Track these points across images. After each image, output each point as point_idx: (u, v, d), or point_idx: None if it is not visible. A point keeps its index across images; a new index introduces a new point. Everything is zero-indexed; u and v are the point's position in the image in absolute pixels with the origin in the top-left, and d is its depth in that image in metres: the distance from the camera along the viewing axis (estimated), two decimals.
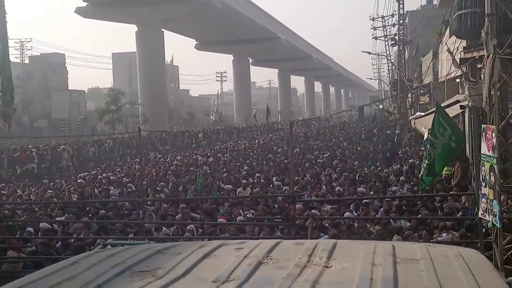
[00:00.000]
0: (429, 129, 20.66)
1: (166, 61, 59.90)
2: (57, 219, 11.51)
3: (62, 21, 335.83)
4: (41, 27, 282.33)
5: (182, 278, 2.21)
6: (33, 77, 58.52)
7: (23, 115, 52.33)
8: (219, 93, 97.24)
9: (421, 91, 32.37)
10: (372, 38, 44.38)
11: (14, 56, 64.89)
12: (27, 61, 62.05)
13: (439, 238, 8.38)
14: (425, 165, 8.30)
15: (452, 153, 8.28)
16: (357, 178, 16.09)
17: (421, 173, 8.78)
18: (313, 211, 10.40)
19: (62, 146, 26.96)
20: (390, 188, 13.71)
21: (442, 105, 11.15)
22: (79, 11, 49.51)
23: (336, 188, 13.84)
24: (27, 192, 16.86)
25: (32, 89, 56.82)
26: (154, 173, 19.75)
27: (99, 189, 15.83)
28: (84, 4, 49.01)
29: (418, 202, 11.18)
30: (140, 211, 10.83)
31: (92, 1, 48.39)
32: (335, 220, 9.76)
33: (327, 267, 2.28)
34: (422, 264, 2.28)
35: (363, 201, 10.90)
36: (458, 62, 10.21)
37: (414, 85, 32.00)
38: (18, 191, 17.04)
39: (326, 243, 2.64)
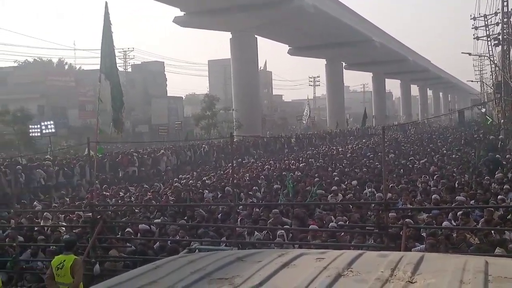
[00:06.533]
0: None
1: (259, 67, 60.69)
2: (155, 221, 12.07)
3: (161, 30, 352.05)
4: (142, 37, 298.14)
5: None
6: (135, 84, 61.77)
7: (126, 120, 55.43)
8: (312, 97, 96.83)
9: None
10: (474, 38, 42.22)
11: (118, 65, 69.00)
12: (129, 70, 65.50)
13: None
14: None
15: None
16: (456, 185, 15.26)
17: None
18: (407, 219, 10.01)
19: (162, 151, 28.20)
20: (493, 197, 12.83)
21: None
22: (177, 20, 51.51)
23: (433, 196, 13.20)
24: (128, 194, 17.75)
25: (134, 96, 59.95)
26: (248, 178, 20.04)
27: (194, 193, 16.31)
28: (182, 13, 50.99)
29: None
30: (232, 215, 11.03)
31: (189, 10, 50.16)
32: (431, 230, 9.33)
33: (411, 283, 2.13)
34: None
35: (462, 210, 10.31)
36: None
37: None
38: (120, 193, 17.94)
39: (412, 256, 2.48)
